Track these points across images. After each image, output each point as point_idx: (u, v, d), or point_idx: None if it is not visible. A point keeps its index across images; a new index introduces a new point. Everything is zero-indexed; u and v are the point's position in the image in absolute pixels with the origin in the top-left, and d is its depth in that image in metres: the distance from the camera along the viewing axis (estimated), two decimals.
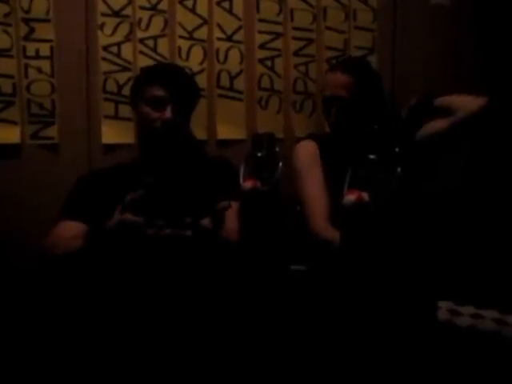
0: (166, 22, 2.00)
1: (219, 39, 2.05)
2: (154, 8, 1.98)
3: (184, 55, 2.02)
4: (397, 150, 0.92)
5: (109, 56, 1.95)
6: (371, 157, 0.91)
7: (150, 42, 1.99)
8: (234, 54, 2.07)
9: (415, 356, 0.86)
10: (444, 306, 1.04)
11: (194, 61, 2.02)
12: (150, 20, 1.98)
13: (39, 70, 1.89)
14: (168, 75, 1.57)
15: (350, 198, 0.87)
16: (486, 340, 0.95)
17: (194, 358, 0.86)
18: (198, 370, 0.84)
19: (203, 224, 1.20)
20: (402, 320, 0.90)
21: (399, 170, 0.88)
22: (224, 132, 2.07)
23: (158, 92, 1.52)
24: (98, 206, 1.47)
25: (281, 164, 1.05)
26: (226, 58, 2.06)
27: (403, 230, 0.95)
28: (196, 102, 1.65)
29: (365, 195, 0.87)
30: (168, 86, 1.52)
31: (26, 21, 1.87)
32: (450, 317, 1.01)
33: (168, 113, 1.50)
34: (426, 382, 0.84)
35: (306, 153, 1.76)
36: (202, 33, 2.04)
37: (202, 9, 2.03)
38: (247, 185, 1.02)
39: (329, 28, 2.18)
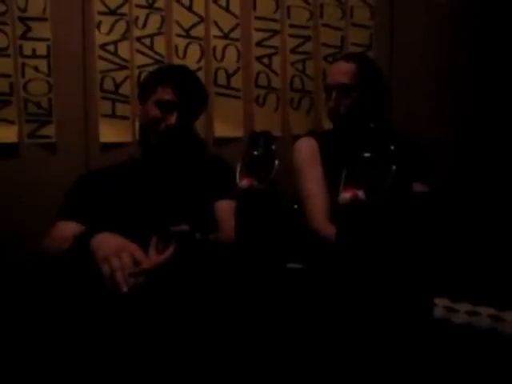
0: (162, 20, 2.00)
1: (216, 37, 2.05)
2: (150, 6, 1.98)
3: (181, 53, 2.02)
4: (392, 147, 0.92)
5: (106, 55, 1.95)
6: (366, 155, 0.91)
7: (147, 41, 1.99)
8: (231, 52, 2.07)
9: (411, 353, 0.87)
10: (440, 302, 1.04)
11: (191, 59, 2.02)
12: (146, 18, 1.98)
13: (36, 69, 1.89)
14: (180, 79, 1.58)
15: (346, 195, 0.87)
16: (482, 337, 0.95)
17: (191, 359, 0.86)
18: (195, 369, 0.84)
19: None
20: (398, 317, 0.90)
21: (394, 167, 0.88)
22: (221, 130, 2.08)
23: (168, 95, 1.53)
24: (96, 206, 1.47)
25: (277, 162, 1.04)
26: (222, 55, 2.06)
27: (399, 228, 0.95)
28: (203, 109, 1.68)
29: (360, 193, 0.87)
30: (179, 91, 1.53)
31: (23, 20, 1.87)
32: (446, 314, 1.01)
33: (174, 118, 1.51)
34: (423, 380, 0.84)
35: (306, 150, 1.76)
36: (199, 31, 2.04)
37: (198, 7, 2.03)
38: (244, 183, 1.02)
39: (326, 25, 2.17)
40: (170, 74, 1.61)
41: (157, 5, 1.99)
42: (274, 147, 1.06)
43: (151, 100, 1.55)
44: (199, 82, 1.66)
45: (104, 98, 1.96)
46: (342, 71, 1.70)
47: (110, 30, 1.95)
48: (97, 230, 1.24)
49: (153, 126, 1.54)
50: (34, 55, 1.89)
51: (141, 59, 1.98)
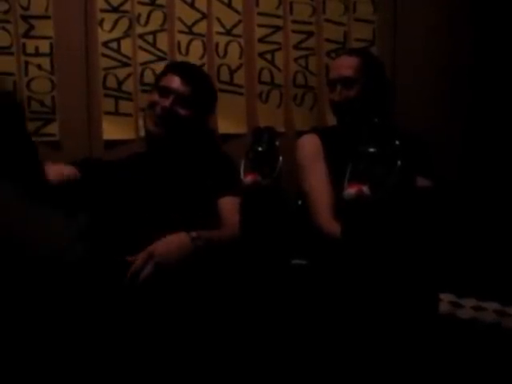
0: (165, 16, 2.00)
1: (218, 33, 2.05)
2: (152, 3, 1.98)
3: (183, 50, 2.02)
4: (397, 142, 0.92)
5: (108, 52, 1.95)
6: (371, 150, 0.90)
7: (150, 38, 1.99)
8: (234, 48, 2.06)
9: (417, 348, 0.87)
10: (445, 298, 1.04)
11: (194, 55, 2.02)
12: (149, 15, 1.98)
13: (39, 67, 1.90)
14: (185, 70, 1.63)
15: (350, 191, 0.87)
16: (487, 332, 0.95)
17: (195, 355, 0.86)
18: (199, 366, 0.85)
19: None
20: (403, 313, 0.90)
21: (399, 163, 0.88)
22: (225, 126, 2.07)
23: (169, 81, 1.58)
24: (99, 199, 1.48)
25: (281, 158, 1.04)
26: (225, 52, 2.06)
27: (404, 224, 0.95)
28: (209, 104, 1.71)
29: (365, 189, 0.87)
30: (181, 79, 1.57)
31: (25, 18, 1.87)
32: (452, 309, 1.01)
33: (168, 101, 1.54)
34: (428, 375, 0.84)
35: (310, 146, 1.77)
36: (202, 27, 2.03)
37: (200, 3, 2.02)
38: (248, 179, 1.02)
39: (328, 21, 2.17)
40: (180, 64, 1.70)
41: (159, 2, 1.98)
42: (277, 143, 1.06)
43: (155, 87, 1.62)
44: (207, 77, 1.73)
45: (107, 96, 1.96)
46: (346, 65, 1.71)
47: (113, 28, 1.95)
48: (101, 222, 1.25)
49: (149, 111, 1.58)
50: (36, 53, 1.89)
51: (143, 56, 1.98)
